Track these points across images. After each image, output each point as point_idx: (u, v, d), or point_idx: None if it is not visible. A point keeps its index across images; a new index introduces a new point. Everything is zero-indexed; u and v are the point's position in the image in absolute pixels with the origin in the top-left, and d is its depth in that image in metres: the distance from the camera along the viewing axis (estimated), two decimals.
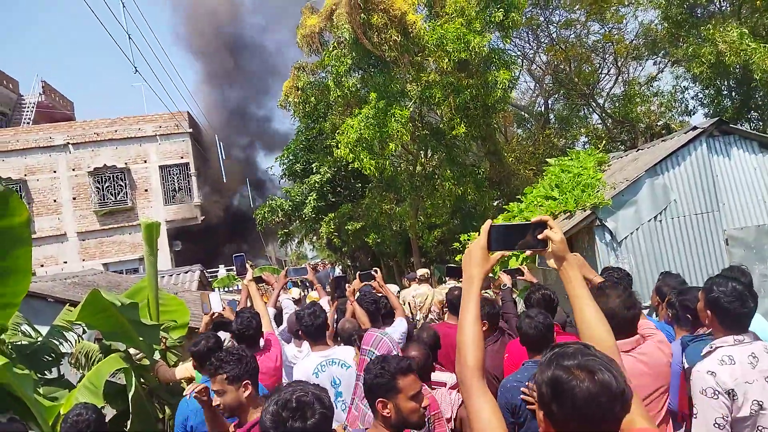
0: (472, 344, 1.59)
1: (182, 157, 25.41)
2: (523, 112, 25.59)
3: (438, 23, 13.50)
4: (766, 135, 8.25)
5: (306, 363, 3.63)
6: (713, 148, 7.68)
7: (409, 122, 13.68)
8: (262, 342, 3.79)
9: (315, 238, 23.55)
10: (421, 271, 8.05)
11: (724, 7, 16.90)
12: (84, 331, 5.29)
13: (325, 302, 4.83)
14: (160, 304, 5.24)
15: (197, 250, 25.02)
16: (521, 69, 22.68)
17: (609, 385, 1.27)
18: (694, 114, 19.68)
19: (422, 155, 15.87)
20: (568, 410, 1.28)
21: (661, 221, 7.48)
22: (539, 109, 24.55)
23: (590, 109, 22.29)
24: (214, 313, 4.55)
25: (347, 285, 4.81)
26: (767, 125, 16.50)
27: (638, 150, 9.52)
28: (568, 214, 8.02)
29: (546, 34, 21.27)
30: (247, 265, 4.50)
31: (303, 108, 15.46)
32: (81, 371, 5.01)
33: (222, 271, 21.00)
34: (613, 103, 21.50)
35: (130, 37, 9.54)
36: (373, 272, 4.58)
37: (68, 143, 24.55)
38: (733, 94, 16.90)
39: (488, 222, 1.72)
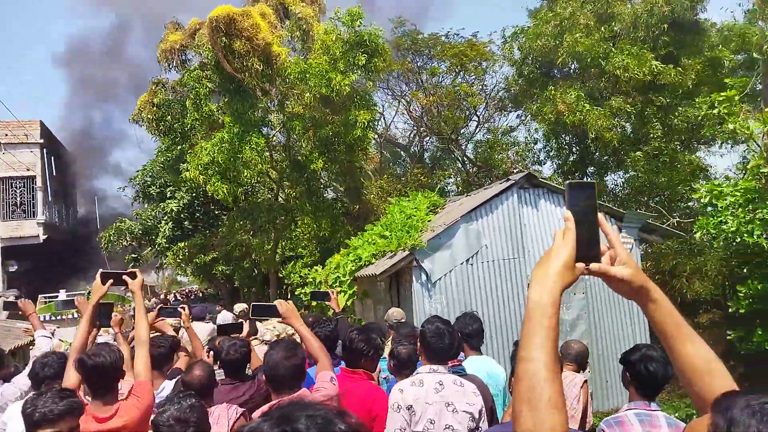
0: (321, 351, 2.82)
1: (28, 170, 23.11)
2: (400, 150, 26.45)
3: (303, 58, 13.62)
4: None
5: None
6: (523, 199, 8.28)
7: (266, 151, 13.52)
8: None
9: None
10: (239, 307, 7.76)
11: (573, 69, 18.69)
12: None
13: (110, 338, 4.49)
14: None
15: (37, 272, 22.62)
16: (398, 110, 23.62)
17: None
18: (544, 164, 21.42)
19: (284, 186, 15.69)
20: None
21: (473, 264, 7.86)
22: (415, 149, 25.52)
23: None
24: None
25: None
26: (602, 179, 18.31)
27: (467, 195, 10.06)
28: (393, 253, 8.20)
29: (420, 78, 22.33)
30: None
31: (157, 126, 14.66)
32: None
33: (62, 295, 18.98)
34: (476, 149, 22.86)
35: None
36: (180, 308, 4.59)
37: None
38: (574, 149, 18.60)
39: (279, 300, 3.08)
